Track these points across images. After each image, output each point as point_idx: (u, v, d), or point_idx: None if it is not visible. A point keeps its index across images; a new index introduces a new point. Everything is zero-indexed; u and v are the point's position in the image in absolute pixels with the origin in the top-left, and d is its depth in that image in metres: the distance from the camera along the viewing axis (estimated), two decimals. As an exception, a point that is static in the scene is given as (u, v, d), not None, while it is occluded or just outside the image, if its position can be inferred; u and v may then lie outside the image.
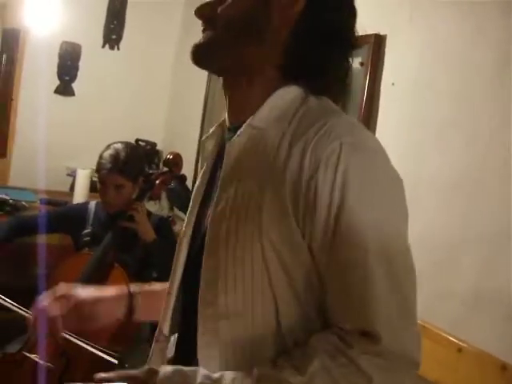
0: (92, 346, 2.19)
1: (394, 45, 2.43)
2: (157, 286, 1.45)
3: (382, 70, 2.47)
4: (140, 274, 2.48)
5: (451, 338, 1.94)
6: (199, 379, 0.97)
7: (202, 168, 1.24)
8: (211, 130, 1.23)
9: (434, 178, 2.14)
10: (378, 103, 2.47)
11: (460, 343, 1.90)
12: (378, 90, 2.47)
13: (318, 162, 0.95)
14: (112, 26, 4.37)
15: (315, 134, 0.97)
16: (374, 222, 0.96)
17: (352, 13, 1.12)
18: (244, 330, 1.01)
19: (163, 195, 3.06)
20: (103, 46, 4.37)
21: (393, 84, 2.41)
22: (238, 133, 1.06)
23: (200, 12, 1.09)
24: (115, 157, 2.55)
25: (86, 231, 2.70)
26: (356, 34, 1.13)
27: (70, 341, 1.88)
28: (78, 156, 4.19)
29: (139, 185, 2.59)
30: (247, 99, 1.10)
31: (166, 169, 2.52)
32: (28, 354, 2.36)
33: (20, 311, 2.23)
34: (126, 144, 2.65)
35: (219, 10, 1.06)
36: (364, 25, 2.53)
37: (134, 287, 1.42)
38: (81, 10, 4.20)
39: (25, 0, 3.77)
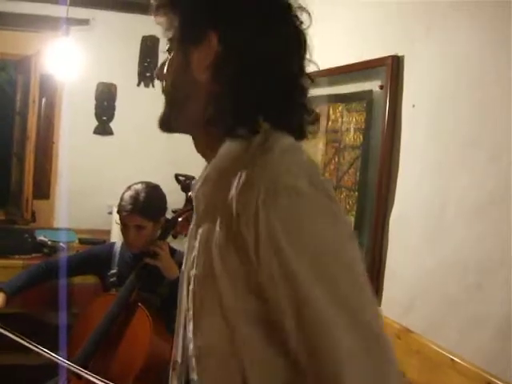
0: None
1: (413, 65, 2.37)
2: None
3: (401, 92, 2.41)
4: (166, 313, 2.47)
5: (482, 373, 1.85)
6: None
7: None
8: (201, 173, 1.24)
9: (462, 199, 2.07)
10: (400, 126, 2.41)
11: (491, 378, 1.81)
12: (400, 113, 2.41)
13: (241, 219, 0.94)
14: (146, 64, 4.43)
15: (235, 188, 0.96)
16: (309, 266, 0.91)
17: (282, 40, 1.07)
18: None
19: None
20: (138, 85, 4.44)
21: (413, 106, 2.35)
22: (198, 183, 1.10)
23: (156, 77, 1.18)
24: (135, 198, 2.57)
25: (112, 272, 2.71)
26: (289, 59, 1.08)
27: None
28: (118, 194, 4.23)
29: (161, 223, 2.59)
30: (204, 150, 1.14)
31: (188, 206, 2.51)
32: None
33: (49, 356, 2.25)
34: (147, 184, 2.66)
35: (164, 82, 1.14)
36: (380, 46, 2.52)
37: None
38: (114, 51, 4.28)
39: (59, 45, 3.85)
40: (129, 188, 2.64)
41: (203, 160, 1.14)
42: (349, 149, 2.72)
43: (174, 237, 2.50)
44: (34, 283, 2.73)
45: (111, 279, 2.68)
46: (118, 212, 2.59)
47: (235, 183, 0.97)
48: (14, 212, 4.34)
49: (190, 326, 1.06)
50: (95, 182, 4.30)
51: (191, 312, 1.06)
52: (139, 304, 2.43)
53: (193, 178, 4.70)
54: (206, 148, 1.13)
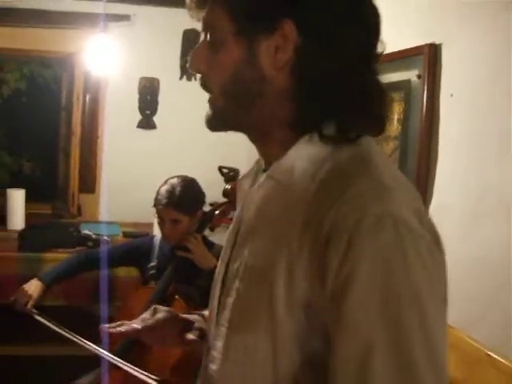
0: (155, 380, 2.21)
1: (451, 53, 2.32)
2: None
3: (439, 81, 2.37)
4: (205, 305, 2.49)
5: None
6: None
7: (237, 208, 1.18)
8: (250, 169, 1.18)
9: (501, 190, 2.02)
10: (438, 116, 2.37)
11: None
12: (438, 102, 2.37)
13: (333, 236, 0.84)
14: (188, 57, 4.44)
15: (333, 202, 0.86)
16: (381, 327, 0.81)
17: (365, 28, 0.96)
18: None
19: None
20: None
21: (451, 95, 2.31)
22: (259, 184, 1.01)
23: (192, 71, 1.06)
24: (171, 192, 2.60)
25: (152, 264, 2.76)
26: (377, 51, 0.98)
27: (133, 375, 1.89)
28: (162, 187, 4.30)
29: (198, 217, 2.61)
30: (270, 150, 1.03)
31: (224, 200, 2.52)
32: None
33: (91, 348, 2.29)
34: (183, 178, 2.68)
35: (210, 76, 1.01)
36: (417, 35, 2.47)
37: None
38: (156, 46, 4.32)
39: (102, 41, 3.92)
40: (165, 182, 2.68)
41: (246, 153, 1.08)
42: (388, 139, 2.69)
43: (211, 229, 2.52)
44: (72, 273, 2.80)
45: (151, 272, 2.73)
46: (155, 206, 2.63)
47: (332, 195, 0.87)
48: (60, 206, 4.43)
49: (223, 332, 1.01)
50: (139, 176, 4.35)
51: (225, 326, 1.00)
52: (176, 296, 2.46)
53: (236, 170, 4.72)
54: (271, 148, 1.02)
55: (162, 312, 1.35)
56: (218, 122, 1.04)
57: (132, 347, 2.40)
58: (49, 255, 3.38)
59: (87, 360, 2.64)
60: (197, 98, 4.81)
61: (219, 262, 1.17)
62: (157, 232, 3.66)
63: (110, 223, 4.03)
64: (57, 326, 2.18)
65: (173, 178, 2.70)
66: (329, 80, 0.94)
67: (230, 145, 3.91)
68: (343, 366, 0.83)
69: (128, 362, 2.20)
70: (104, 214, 4.31)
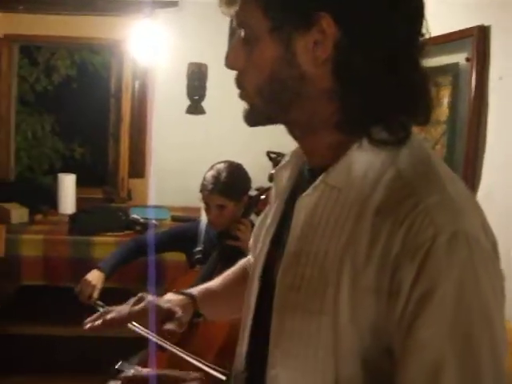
0: (200, 362, 2.24)
1: (500, 35, 2.27)
2: (212, 284, 1.49)
3: (488, 64, 2.32)
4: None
5: None
6: None
7: (274, 202, 1.16)
8: (285, 159, 1.16)
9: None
10: (486, 100, 2.33)
11: None
12: (487, 86, 2.33)
13: (405, 252, 0.83)
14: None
15: (405, 216, 0.84)
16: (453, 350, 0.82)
17: (408, 16, 0.90)
18: None
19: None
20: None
21: (500, 78, 2.26)
22: (311, 188, 0.96)
23: (228, 68, 1.02)
24: (216, 177, 2.60)
25: (198, 249, 2.79)
26: (423, 39, 0.93)
27: (179, 356, 1.91)
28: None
29: (244, 202, 2.62)
30: (315, 148, 1.00)
31: (270, 184, 2.53)
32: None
33: (138, 329, 2.33)
34: (229, 164, 2.68)
35: (245, 74, 0.98)
36: (466, 17, 2.43)
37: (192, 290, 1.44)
38: (204, 31, 4.33)
39: (149, 27, 3.96)
40: (211, 167, 2.69)
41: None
42: (436, 124, 2.65)
43: (257, 214, 2.53)
44: (127, 261, 2.86)
45: (196, 256, 2.76)
46: (201, 191, 2.65)
47: (402, 208, 0.85)
48: (111, 191, 4.51)
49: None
50: (188, 161, 4.39)
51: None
52: None
53: (284, 155, 4.67)
54: (317, 148, 1.00)
55: (147, 300, 1.33)
56: (256, 118, 1.02)
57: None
58: (98, 239, 3.47)
59: (130, 342, 2.70)
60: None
61: (253, 259, 1.15)
62: (203, 217, 3.71)
63: (159, 207, 4.09)
64: (102, 306, 2.23)
65: (219, 163, 2.72)
66: (372, 77, 0.89)
67: (279, 130, 3.91)
68: (412, 381, 0.84)
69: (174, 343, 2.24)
70: (153, 199, 4.38)
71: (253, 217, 2.66)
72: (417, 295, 0.82)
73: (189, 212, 4.06)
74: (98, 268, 2.79)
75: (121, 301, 1.38)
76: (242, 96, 1.02)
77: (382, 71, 0.89)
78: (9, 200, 3.77)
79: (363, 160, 0.91)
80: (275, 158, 4.39)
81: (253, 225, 2.63)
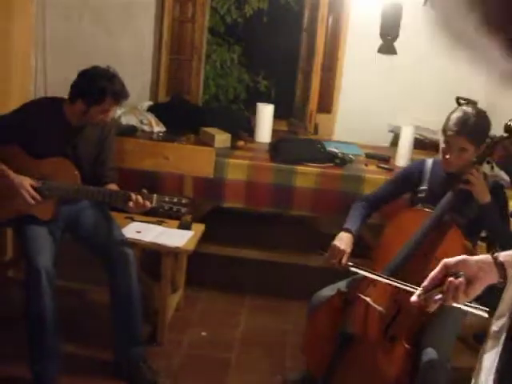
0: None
1: None
2: None
3: None
4: (469, 234, 2.54)
5: None
6: None
7: None
8: None
9: None
10: None
11: None
12: None
13: None
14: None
15: None
16: None
17: None
18: None
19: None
20: (424, 4, 4.41)
21: None
22: None
23: None
24: (465, 120, 2.58)
25: (422, 188, 2.80)
26: None
27: (404, 289, 1.94)
28: (399, 113, 4.36)
29: (481, 149, 2.59)
30: None
31: (506, 134, 2.50)
32: (362, 296, 2.58)
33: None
34: (478, 110, 2.63)
35: None
36: None
37: (503, 256, 1.42)
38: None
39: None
40: (457, 109, 2.65)
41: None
42: None
43: (488, 162, 2.53)
44: (365, 221, 2.90)
45: (419, 195, 2.78)
46: (443, 131, 2.64)
47: None
48: (296, 124, 4.65)
49: None
50: (376, 100, 4.44)
51: None
52: (455, 225, 2.49)
53: (474, 102, 4.64)
54: None
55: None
56: None
57: (402, 266, 2.50)
58: (300, 168, 3.57)
59: (330, 272, 2.85)
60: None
61: None
62: (402, 155, 3.76)
63: (349, 143, 4.17)
64: (373, 273, 2.25)
65: (467, 106, 2.71)
66: None
67: (467, 73, 3.84)
68: None
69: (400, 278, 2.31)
70: (340, 134, 4.48)
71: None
72: None
73: (374, 150, 4.11)
74: (346, 230, 2.79)
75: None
76: None
77: None
78: (209, 125, 3.98)
79: None
80: (465, 103, 4.33)
81: (484, 175, 2.64)
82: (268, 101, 4.52)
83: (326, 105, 4.53)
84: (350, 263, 2.48)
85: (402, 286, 1.98)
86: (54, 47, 4.54)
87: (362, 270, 2.28)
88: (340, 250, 2.70)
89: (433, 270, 1.52)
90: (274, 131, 4.21)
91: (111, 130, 3.20)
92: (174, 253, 3.31)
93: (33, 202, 2.85)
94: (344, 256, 2.70)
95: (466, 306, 1.46)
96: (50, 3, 4.48)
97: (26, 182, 2.85)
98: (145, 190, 2.85)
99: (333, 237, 2.77)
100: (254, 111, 4.19)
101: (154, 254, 3.31)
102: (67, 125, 3.00)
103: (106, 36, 4.54)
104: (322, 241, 2.87)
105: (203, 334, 3.50)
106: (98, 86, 2.87)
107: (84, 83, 2.92)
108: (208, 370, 3.17)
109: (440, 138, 2.69)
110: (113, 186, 3.08)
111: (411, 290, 2.04)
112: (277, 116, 4.24)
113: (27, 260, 2.78)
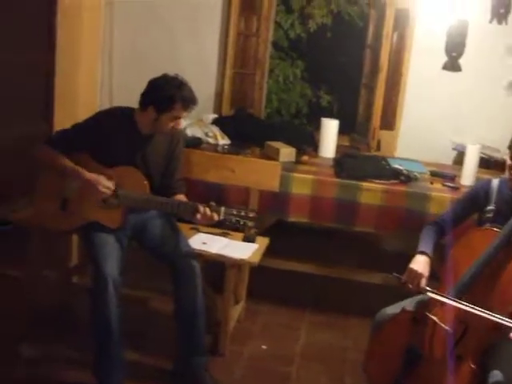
0: (492, 316, 2.29)
1: None
2: None
3: None
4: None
5: None
6: None
7: None
8: None
9: None
10: None
11: None
12: None
13: None
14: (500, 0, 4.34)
15: None
16: None
17: None
18: None
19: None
20: (491, 21, 4.37)
21: None
22: None
23: None
24: None
25: (489, 208, 2.76)
26: None
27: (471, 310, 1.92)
28: (463, 131, 4.33)
29: None
30: None
31: None
32: (430, 315, 2.56)
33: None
34: None
35: None
36: None
37: None
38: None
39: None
40: None
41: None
42: None
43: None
44: (436, 243, 2.84)
45: (487, 215, 2.75)
46: (510, 148, 2.60)
47: None
48: (359, 140, 4.65)
49: None
50: (439, 117, 4.41)
51: None
52: None
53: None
54: None
55: None
56: None
57: (470, 286, 2.47)
58: (366, 184, 3.57)
59: (394, 290, 2.82)
60: (505, 42, 4.64)
61: None
62: (467, 174, 3.72)
63: (412, 161, 4.15)
64: (449, 298, 2.24)
65: None
66: None
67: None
68: None
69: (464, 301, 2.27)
70: (402, 151, 4.46)
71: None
72: None
73: (437, 168, 4.08)
74: (422, 253, 2.74)
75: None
76: None
77: None
78: (273, 139, 4.00)
79: None
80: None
81: None
82: (330, 116, 4.53)
83: (389, 121, 4.52)
84: (428, 288, 2.46)
85: (477, 313, 1.97)
86: (119, 59, 4.65)
87: (439, 295, 2.26)
88: (418, 274, 2.65)
89: (500, 290, 1.50)
90: (337, 146, 4.21)
91: (179, 140, 3.23)
92: (238, 265, 3.34)
93: (108, 192, 2.92)
94: (422, 280, 2.65)
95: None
96: (117, 14, 4.60)
97: (101, 176, 2.93)
98: (213, 203, 2.87)
99: (397, 255, 2.74)
100: (315, 126, 4.20)
101: (216, 266, 3.33)
102: (138, 133, 3.05)
103: (171, 48, 4.64)
104: (386, 258, 2.85)
105: (263, 347, 3.51)
106: (167, 92, 2.91)
107: (154, 91, 2.97)
108: (268, 382, 3.18)
109: (505, 155, 2.66)
110: (181, 197, 3.12)
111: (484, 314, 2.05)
112: (339, 131, 4.24)
113: (94, 267, 2.82)
